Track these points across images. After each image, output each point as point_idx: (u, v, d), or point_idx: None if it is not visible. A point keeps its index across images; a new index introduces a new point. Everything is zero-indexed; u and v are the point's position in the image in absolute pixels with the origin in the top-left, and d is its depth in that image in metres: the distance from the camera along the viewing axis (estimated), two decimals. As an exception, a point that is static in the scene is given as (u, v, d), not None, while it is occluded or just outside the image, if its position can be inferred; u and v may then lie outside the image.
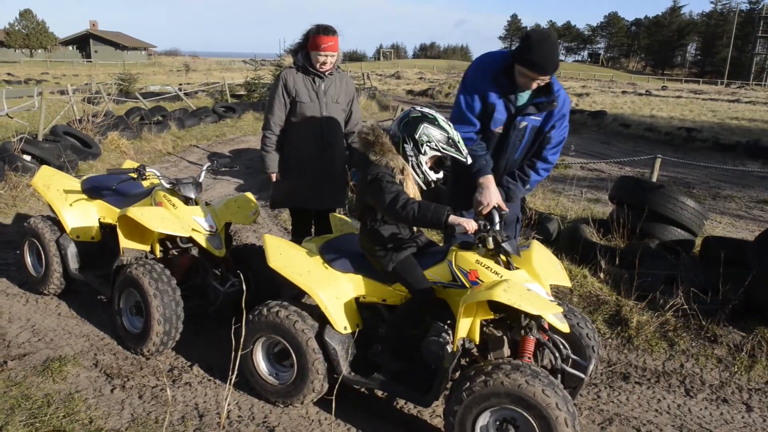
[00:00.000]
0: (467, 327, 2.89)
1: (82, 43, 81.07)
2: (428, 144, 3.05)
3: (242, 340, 3.27)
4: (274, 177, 4.45)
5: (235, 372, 2.63)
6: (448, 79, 36.35)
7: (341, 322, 3.20)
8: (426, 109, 3.15)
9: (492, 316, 2.96)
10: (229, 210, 4.28)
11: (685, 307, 4.30)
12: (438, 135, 3.05)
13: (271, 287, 4.17)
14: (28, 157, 8.07)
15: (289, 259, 3.33)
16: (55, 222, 4.67)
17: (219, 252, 4.04)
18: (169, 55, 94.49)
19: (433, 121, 3.06)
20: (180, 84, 27.95)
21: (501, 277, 2.88)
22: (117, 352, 3.99)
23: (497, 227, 3.07)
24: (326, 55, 4.19)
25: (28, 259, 4.84)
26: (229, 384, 3.11)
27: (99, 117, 10.69)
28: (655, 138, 16.81)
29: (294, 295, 4.39)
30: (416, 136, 3.05)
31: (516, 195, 3.65)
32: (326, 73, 4.30)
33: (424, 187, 3.16)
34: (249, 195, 4.43)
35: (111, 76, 30.34)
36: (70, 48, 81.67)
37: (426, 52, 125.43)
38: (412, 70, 60.26)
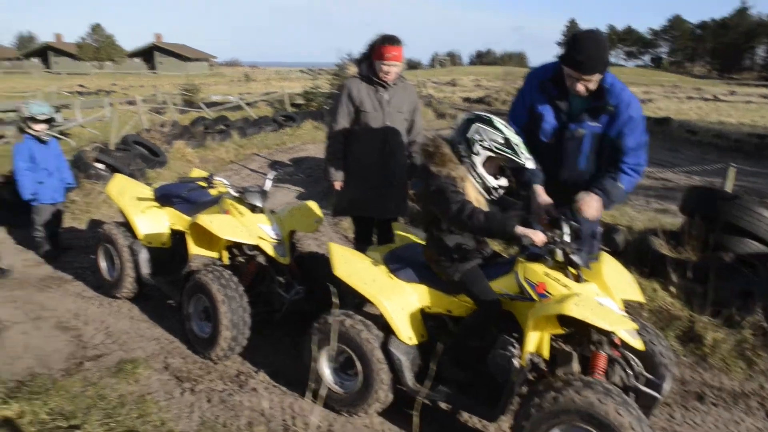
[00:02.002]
0: (536, 341, 2.83)
1: (148, 55, 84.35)
2: (480, 143, 3.00)
3: (313, 346, 3.31)
4: (337, 185, 4.51)
5: (321, 387, 2.64)
6: (505, 86, 35.89)
7: (406, 333, 3.19)
8: (483, 113, 3.12)
9: (561, 331, 2.89)
10: (293, 218, 4.35)
11: (764, 324, 4.09)
12: (491, 135, 2.99)
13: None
14: (101, 166, 8.43)
15: (354, 267, 3.35)
16: (128, 228, 4.85)
17: (284, 259, 4.10)
18: (229, 66, 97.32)
19: (488, 122, 3.02)
20: (240, 94, 28.70)
21: (571, 290, 2.81)
22: (186, 356, 4.10)
23: (566, 239, 3.00)
24: (390, 65, 4.21)
25: (103, 264, 5.05)
26: (311, 393, 3.14)
27: (166, 127, 11.09)
28: (724, 145, 16.13)
29: (356, 304, 4.43)
30: (468, 135, 3.02)
31: (614, 194, 3.37)
32: (390, 83, 4.33)
33: (486, 195, 3.10)
34: (312, 203, 4.49)
35: (175, 86, 31.45)
36: (137, 60, 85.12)
37: (482, 58, 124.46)
38: (468, 77, 59.87)
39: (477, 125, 3.01)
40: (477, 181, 3.05)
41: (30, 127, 5.87)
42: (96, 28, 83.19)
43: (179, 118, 14.22)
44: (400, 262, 3.39)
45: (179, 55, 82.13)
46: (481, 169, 3.04)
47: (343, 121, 4.40)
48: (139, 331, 4.48)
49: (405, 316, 3.22)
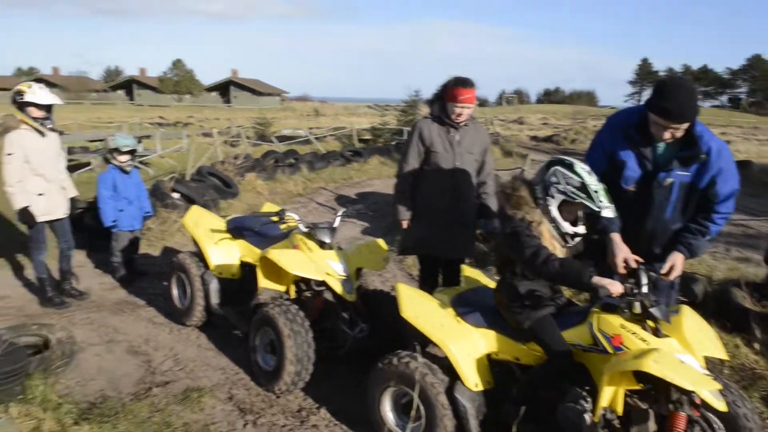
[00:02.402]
0: (610, 396, 2.71)
1: (224, 89, 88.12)
2: (556, 186, 2.94)
3: (374, 386, 3.28)
4: (404, 224, 4.51)
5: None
6: (574, 125, 35.35)
7: (472, 379, 3.12)
8: (567, 157, 3.07)
9: (637, 387, 2.75)
10: (360, 255, 4.38)
11: None
12: (568, 178, 2.93)
13: (396, 334, 4.19)
14: (176, 195, 8.79)
15: (422, 309, 3.32)
16: (201, 258, 5.00)
17: (350, 297, 4.11)
18: (300, 101, 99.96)
19: (568, 166, 2.96)
20: (310, 128, 29.46)
21: (649, 344, 2.68)
22: (250, 388, 4.14)
23: (644, 290, 2.87)
24: (463, 107, 4.23)
25: (175, 292, 5.21)
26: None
27: (239, 159, 11.48)
28: (811, 191, 15.20)
29: (419, 345, 4.39)
30: (545, 178, 2.97)
31: (699, 249, 3.34)
32: (461, 124, 4.34)
33: (562, 242, 3.03)
34: (380, 241, 4.51)
35: (248, 119, 32.65)
36: (213, 94, 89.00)
37: (550, 96, 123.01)
38: (536, 115, 59.24)
39: (556, 168, 2.96)
40: (551, 226, 2.99)
41: (114, 158, 6.21)
42: (177, 63, 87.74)
43: (252, 151, 14.69)
44: (469, 306, 3.33)
45: (253, 89, 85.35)
46: (555, 213, 2.97)
47: (413, 161, 4.43)
48: (205, 360, 4.57)
49: (471, 362, 3.15)
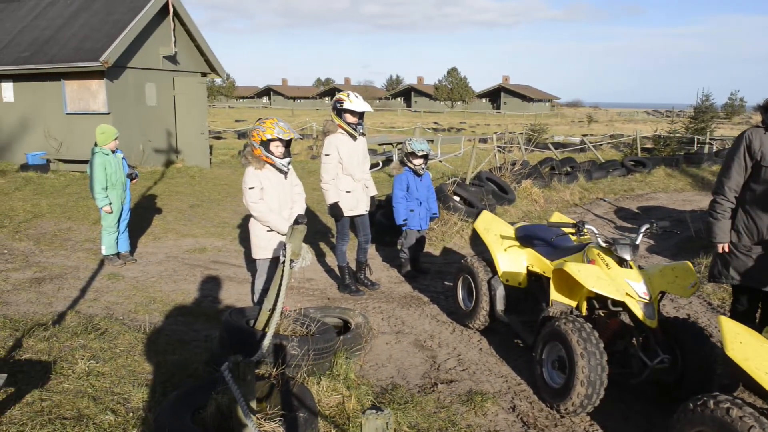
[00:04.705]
0: None
1: (494, 95, 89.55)
2: None
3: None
4: (722, 247, 3.98)
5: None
6: None
7: (818, 445, 2.58)
8: None
9: None
10: (665, 278, 3.96)
11: None
12: None
13: (703, 372, 3.71)
14: (457, 198, 9.11)
15: (753, 351, 2.85)
16: (488, 263, 5.06)
17: (651, 322, 3.75)
18: (570, 106, 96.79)
19: None
20: (583, 135, 28.28)
21: None
22: (533, 401, 4.05)
23: None
24: (809, 114, 3.57)
25: (461, 293, 5.36)
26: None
27: (516, 165, 11.47)
28: None
29: (724, 385, 3.85)
30: None
31: None
32: (804, 134, 3.67)
33: None
34: (689, 264, 4.04)
35: (518, 126, 32.65)
36: (483, 100, 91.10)
37: None
38: None
39: None
40: None
41: (410, 161, 6.64)
42: (452, 72, 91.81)
43: (527, 158, 14.63)
44: (815, 354, 2.77)
45: (523, 95, 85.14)
46: None
47: (737, 176, 3.90)
48: (487, 365, 4.60)
49: (818, 424, 2.60)
